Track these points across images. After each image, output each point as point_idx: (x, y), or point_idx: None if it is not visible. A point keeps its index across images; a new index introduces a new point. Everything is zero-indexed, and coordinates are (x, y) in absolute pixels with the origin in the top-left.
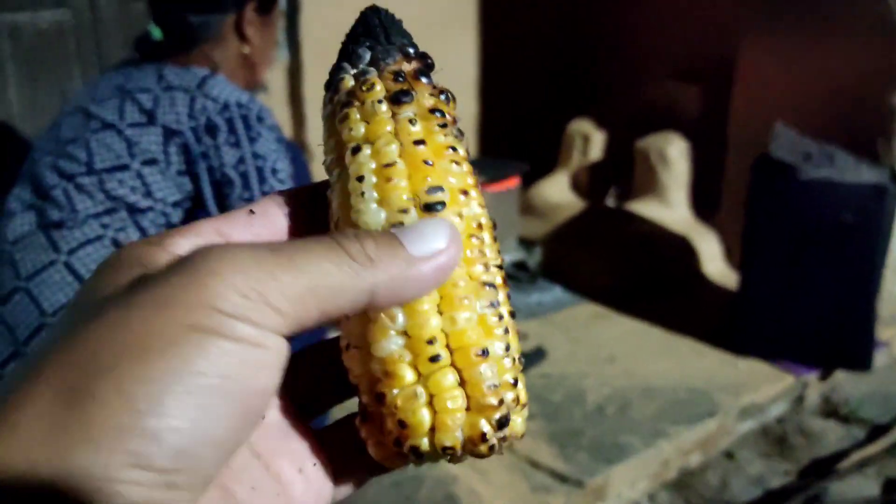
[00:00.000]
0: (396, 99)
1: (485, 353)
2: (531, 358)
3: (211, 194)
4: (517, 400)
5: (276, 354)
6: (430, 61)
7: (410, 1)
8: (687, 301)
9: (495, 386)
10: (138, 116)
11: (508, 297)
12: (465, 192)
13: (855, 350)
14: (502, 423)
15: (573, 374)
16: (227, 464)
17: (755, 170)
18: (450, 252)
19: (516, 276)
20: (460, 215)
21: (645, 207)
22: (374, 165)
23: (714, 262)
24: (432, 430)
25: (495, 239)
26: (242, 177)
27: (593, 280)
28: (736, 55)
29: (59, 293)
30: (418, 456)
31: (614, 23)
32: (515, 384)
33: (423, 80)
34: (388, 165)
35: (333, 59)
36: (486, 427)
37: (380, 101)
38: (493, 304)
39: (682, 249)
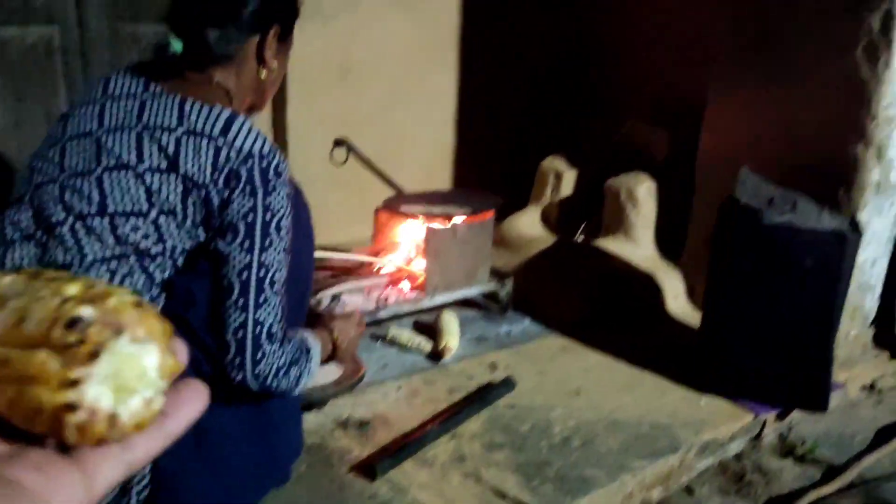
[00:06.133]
0: None
1: None
2: (501, 387)
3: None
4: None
5: None
6: None
7: (394, 39)
8: (651, 337)
9: None
10: (158, 160)
11: None
12: None
13: (812, 391)
14: None
15: (540, 405)
16: None
17: (720, 212)
18: None
19: (487, 307)
20: None
21: (612, 244)
22: None
23: (678, 300)
24: None
25: None
26: (248, 226)
27: (561, 313)
28: (704, 101)
29: None
30: None
31: (589, 67)
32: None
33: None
34: None
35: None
36: None
37: None
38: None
39: (647, 286)
